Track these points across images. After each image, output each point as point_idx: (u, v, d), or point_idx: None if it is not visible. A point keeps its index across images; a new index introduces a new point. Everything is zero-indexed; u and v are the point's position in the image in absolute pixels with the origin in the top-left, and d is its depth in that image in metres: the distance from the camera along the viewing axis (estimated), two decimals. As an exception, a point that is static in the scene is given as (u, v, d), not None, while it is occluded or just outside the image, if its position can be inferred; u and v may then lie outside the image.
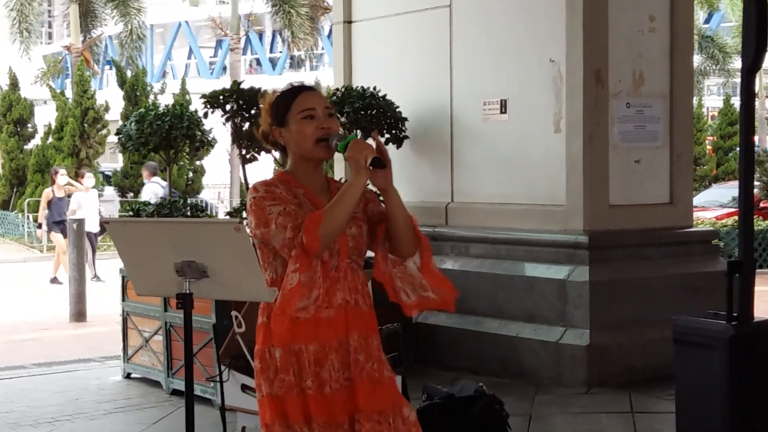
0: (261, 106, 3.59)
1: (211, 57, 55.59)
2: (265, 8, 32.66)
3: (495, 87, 8.09)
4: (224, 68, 44.46)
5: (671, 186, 7.94)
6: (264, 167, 11.90)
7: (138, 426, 6.62)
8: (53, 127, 24.76)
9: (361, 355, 3.38)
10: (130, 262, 3.90)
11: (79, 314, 11.84)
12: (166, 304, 7.25)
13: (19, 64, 28.76)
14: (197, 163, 25.00)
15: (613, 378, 7.21)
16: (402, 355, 6.76)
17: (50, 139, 24.73)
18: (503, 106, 8.04)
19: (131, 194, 24.23)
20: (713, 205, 19.39)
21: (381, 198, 3.45)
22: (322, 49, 41.85)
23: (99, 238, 17.20)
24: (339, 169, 9.21)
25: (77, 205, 15.90)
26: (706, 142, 29.58)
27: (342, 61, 9.34)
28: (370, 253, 3.51)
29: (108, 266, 15.64)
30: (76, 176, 18.01)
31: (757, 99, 27.07)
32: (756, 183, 16.84)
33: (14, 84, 26.13)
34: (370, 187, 3.45)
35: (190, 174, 25.21)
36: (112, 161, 31.63)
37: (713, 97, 44.86)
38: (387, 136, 8.28)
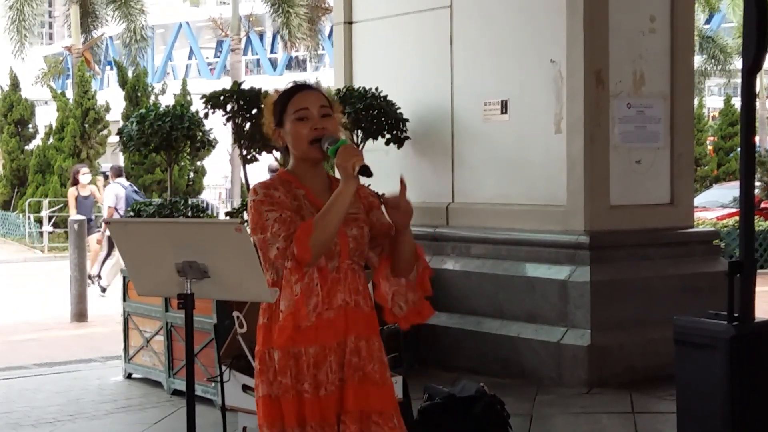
0: (263, 106, 3.58)
1: (210, 58, 55.61)
2: (265, 9, 32.66)
3: (495, 87, 8.09)
4: (225, 69, 44.47)
5: (672, 186, 7.94)
6: (263, 167, 11.90)
7: (139, 426, 6.62)
8: (54, 127, 24.76)
9: (356, 357, 3.37)
10: (131, 263, 3.90)
11: (80, 314, 11.84)
12: (167, 304, 7.25)
13: (20, 65, 28.78)
14: (198, 163, 25.00)
15: (614, 378, 7.21)
16: (403, 356, 6.78)
17: (51, 140, 24.73)
18: (504, 107, 8.04)
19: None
20: (714, 205, 19.38)
21: (386, 211, 3.42)
22: (323, 49, 41.83)
23: None
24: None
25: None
26: (707, 142, 29.58)
27: (343, 61, 9.34)
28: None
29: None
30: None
31: (757, 99, 27.11)
32: (757, 183, 16.84)
33: (15, 84, 26.13)
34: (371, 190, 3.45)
35: (191, 174, 25.21)
36: (113, 162, 31.62)
37: (714, 97, 44.86)
38: (388, 136, 8.29)
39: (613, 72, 7.57)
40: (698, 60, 32.58)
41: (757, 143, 28.86)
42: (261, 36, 52.12)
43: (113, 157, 32.52)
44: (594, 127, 7.49)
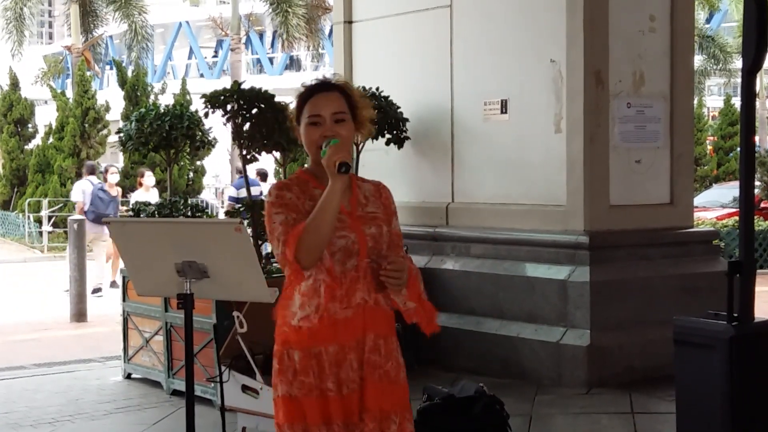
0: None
1: (208, 57, 55.59)
2: (265, 8, 32.67)
3: (495, 87, 8.09)
4: (224, 68, 44.47)
5: (672, 186, 7.94)
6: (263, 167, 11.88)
7: (138, 426, 6.61)
8: (54, 127, 24.75)
9: (376, 355, 3.38)
10: (131, 263, 3.90)
11: (79, 314, 11.84)
12: (167, 304, 7.25)
13: (19, 65, 28.77)
14: (198, 163, 25.01)
15: (613, 378, 7.21)
16: (402, 356, 6.74)
17: (51, 139, 24.73)
18: (504, 107, 8.04)
19: (132, 194, 24.21)
20: (714, 205, 19.39)
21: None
22: (323, 49, 41.83)
23: None
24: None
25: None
26: (707, 142, 29.57)
27: (342, 61, 9.33)
28: None
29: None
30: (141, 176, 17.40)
31: (757, 99, 27.09)
32: (757, 183, 16.85)
33: (15, 84, 26.13)
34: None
35: (191, 174, 25.21)
36: (113, 161, 31.59)
37: (714, 97, 44.88)
38: (388, 136, 8.28)
39: (613, 72, 7.57)
40: (698, 59, 32.59)
41: (757, 143, 28.87)
42: (261, 35, 52.10)
43: (113, 156, 32.55)
44: (594, 127, 7.48)
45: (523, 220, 7.86)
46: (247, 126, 7.22)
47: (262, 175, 17.99)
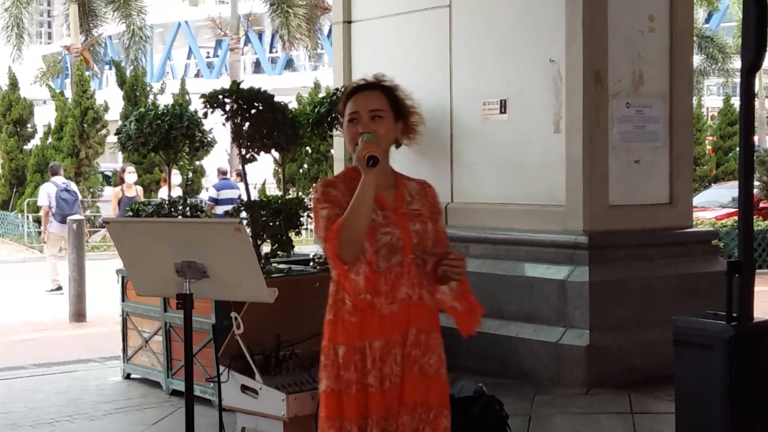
0: None
1: (208, 57, 55.58)
2: (264, 8, 32.66)
3: (495, 87, 8.09)
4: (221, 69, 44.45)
5: (671, 186, 7.94)
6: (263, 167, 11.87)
7: (138, 426, 6.61)
8: (53, 127, 24.74)
9: (416, 349, 3.44)
10: (130, 263, 3.90)
11: (78, 315, 11.84)
12: (166, 304, 7.24)
13: (18, 65, 28.76)
14: (197, 163, 25.00)
15: (612, 378, 7.21)
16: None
17: (50, 139, 24.71)
18: (503, 106, 8.04)
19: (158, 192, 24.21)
20: (713, 205, 19.39)
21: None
22: (322, 49, 41.82)
23: None
24: (338, 168, 9.22)
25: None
26: (706, 142, 29.58)
27: (342, 61, 9.34)
28: None
29: (107, 266, 15.62)
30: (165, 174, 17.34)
31: (756, 99, 27.08)
32: (756, 183, 16.84)
33: (14, 84, 26.12)
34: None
35: (190, 174, 25.20)
36: (112, 161, 31.61)
37: (713, 97, 44.89)
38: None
39: (612, 71, 7.57)
40: (697, 59, 32.58)
41: (756, 143, 28.85)
42: (260, 35, 52.10)
43: (112, 156, 32.54)
44: (593, 126, 7.48)
45: (522, 220, 7.86)
46: (246, 126, 7.21)
47: (240, 175, 18.01)
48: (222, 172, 17.93)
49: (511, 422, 5.57)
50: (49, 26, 73.69)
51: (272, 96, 7.32)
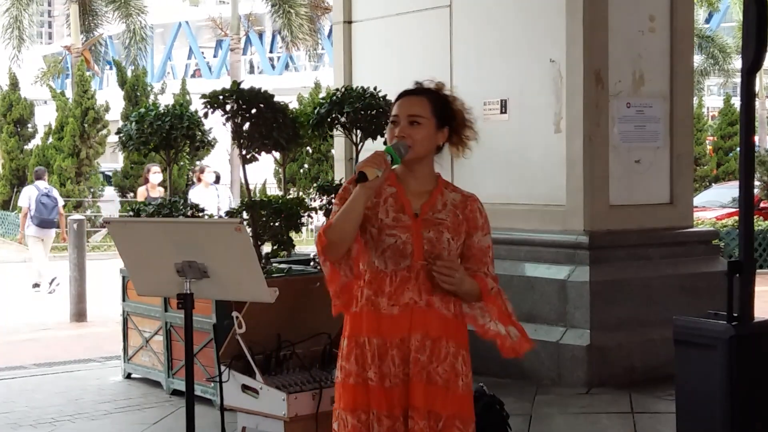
0: None
1: (209, 57, 55.59)
2: (265, 8, 32.65)
3: (495, 87, 8.09)
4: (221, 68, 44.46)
5: (671, 186, 7.94)
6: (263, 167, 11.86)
7: (138, 426, 6.62)
8: (53, 127, 24.75)
9: (422, 355, 3.43)
10: (130, 262, 3.90)
11: (79, 314, 11.85)
12: (167, 304, 7.25)
13: (18, 67, 28.75)
14: (197, 163, 25.00)
15: (613, 378, 7.21)
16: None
17: (50, 139, 24.72)
18: (503, 107, 8.04)
19: (131, 194, 24.23)
20: (713, 205, 19.39)
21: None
22: (322, 49, 41.82)
23: None
24: (339, 168, 9.22)
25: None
26: (707, 142, 29.57)
27: (342, 61, 9.34)
28: None
29: (108, 266, 15.63)
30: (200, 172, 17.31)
31: (757, 99, 27.07)
32: (756, 183, 16.85)
33: (14, 84, 26.13)
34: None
35: (191, 174, 25.21)
36: (113, 161, 31.61)
37: (713, 97, 44.88)
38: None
39: (613, 71, 7.57)
40: (697, 59, 32.59)
41: (757, 143, 28.84)
42: (260, 35, 52.10)
43: (112, 156, 32.54)
44: (593, 126, 7.49)
45: (522, 220, 7.86)
46: (246, 126, 7.22)
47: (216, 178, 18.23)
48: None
49: (512, 422, 5.57)
50: (50, 26, 73.70)
51: (273, 96, 7.33)
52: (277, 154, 7.76)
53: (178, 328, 7.12)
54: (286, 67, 51.64)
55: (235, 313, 4.65)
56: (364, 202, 3.36)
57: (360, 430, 3.41)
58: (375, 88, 8.32)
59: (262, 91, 7.30)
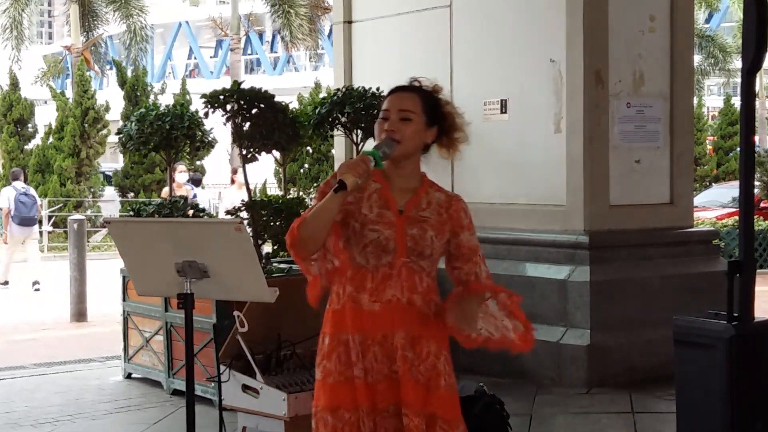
0: None
1: (209, 57, 55.59)
2: (264, 8, 32.66)
3: (495, 87, 8.09)
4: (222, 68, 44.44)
5: (672, 186, 7.94)
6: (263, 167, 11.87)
7: (139, 426, 6.62)
8: (54, 127, 24.74)
9: (409, 352, 3.41)
10: (131, 262, 3.91)
11: (79, 314, 11.85)
12: (167, 304, 7.25)
13: (17, 68, 28.74)
14: (198, 163, 25.01)
15: (613, 378, 7.21)
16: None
17: (51, 139, 24.70)
18: (503, 106, 8.04)
19: (131, 194, 24.23)
20: (714, 205, 19.39)
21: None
22: (322, 49, 41.82)
23: None
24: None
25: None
26: (707, 142, 29.56)
27: (342, 61, 9.34)
28: None
29: (108, 266, 15.64)
30: (233, 173, 17.44)
31: (757, 99, 27.07)
32: (756, 183, 16.84)
33: (14, 84, 26.11)
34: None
35: (191, 173, 25.20)
36: (113, 161, 31.61)
37: (714, 96, 44.88)
38: (387, 136, 8.27)
39: (613, 71, 7.57)
40: (697, 59, 32.58)
41: (757, 143, 28.86)
42: (261, 35, 52.10)
43: (113, 156, 32.55)
44: (594, 126, 7.49)
45: (522, 220, 7.86)
46: (246, 126, 7.22)
47: (195, 181, 18.32)
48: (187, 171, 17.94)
49: (512, 422, 5.57)
50: (50, 26, 73.67)
51: (273, 96, 7.33)
52: (277, 154, 7.76)
53: (178, 328, 7.12)
54: (286, 66, 51.64)
55: (236, 313, 4.65)
56: (339, 204, 3.34)
57: (342, 430, 3.38)
58: (377, 88, 8.33)
59: (263, 91, 7.30)
